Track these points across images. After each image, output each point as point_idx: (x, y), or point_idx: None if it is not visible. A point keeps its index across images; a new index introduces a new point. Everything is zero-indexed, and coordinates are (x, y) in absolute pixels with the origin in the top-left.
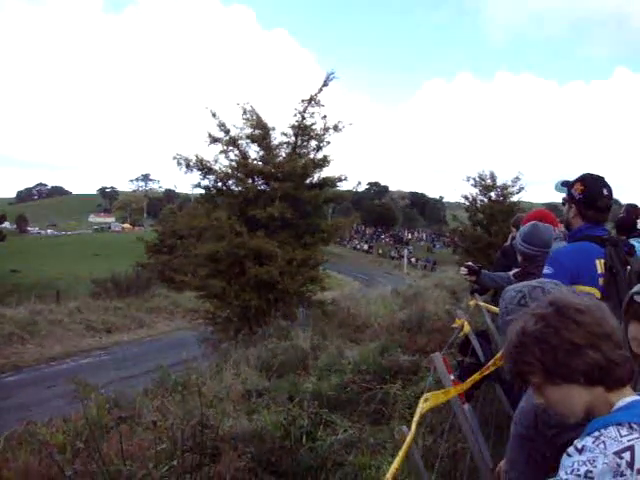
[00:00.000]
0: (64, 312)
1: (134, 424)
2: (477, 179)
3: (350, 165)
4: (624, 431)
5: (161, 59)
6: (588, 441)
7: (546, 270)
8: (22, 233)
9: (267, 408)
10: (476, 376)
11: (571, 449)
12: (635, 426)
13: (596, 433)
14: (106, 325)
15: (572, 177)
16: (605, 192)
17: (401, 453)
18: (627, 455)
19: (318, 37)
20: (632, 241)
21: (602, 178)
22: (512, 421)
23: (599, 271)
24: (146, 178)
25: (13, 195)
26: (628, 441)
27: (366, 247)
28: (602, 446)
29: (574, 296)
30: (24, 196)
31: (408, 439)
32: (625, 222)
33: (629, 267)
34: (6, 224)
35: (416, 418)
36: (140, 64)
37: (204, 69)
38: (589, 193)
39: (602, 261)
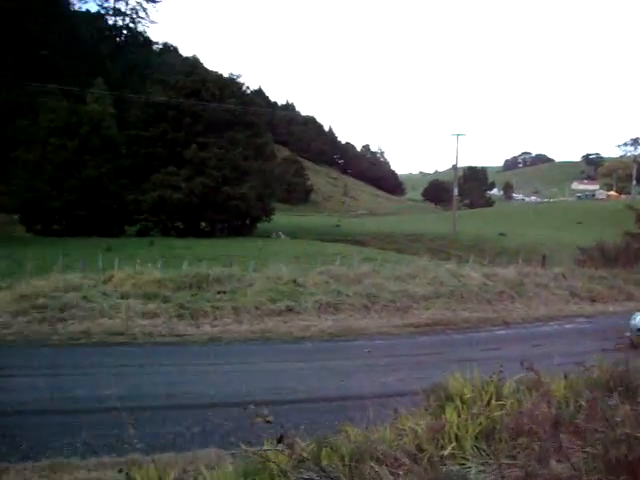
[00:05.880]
0: (549, 276)
1: None
2: None
3: None
4: None
5: None
6: None
7: None
8: (508, 199)
9: None
10: None
11: None
12: None
13: None
14: (590, 293)
15: None
16: None
17: None
18: None
19: None
20: None
21: None
22: None
23: None
24: (635, 142)
25: (501, 164)
26: None
27: None
28: None
29: None
30: (510, 164)
31: None
32: None
33: None
34: (494, 191)
35: None
36: None
37: None
38: None
39: None
